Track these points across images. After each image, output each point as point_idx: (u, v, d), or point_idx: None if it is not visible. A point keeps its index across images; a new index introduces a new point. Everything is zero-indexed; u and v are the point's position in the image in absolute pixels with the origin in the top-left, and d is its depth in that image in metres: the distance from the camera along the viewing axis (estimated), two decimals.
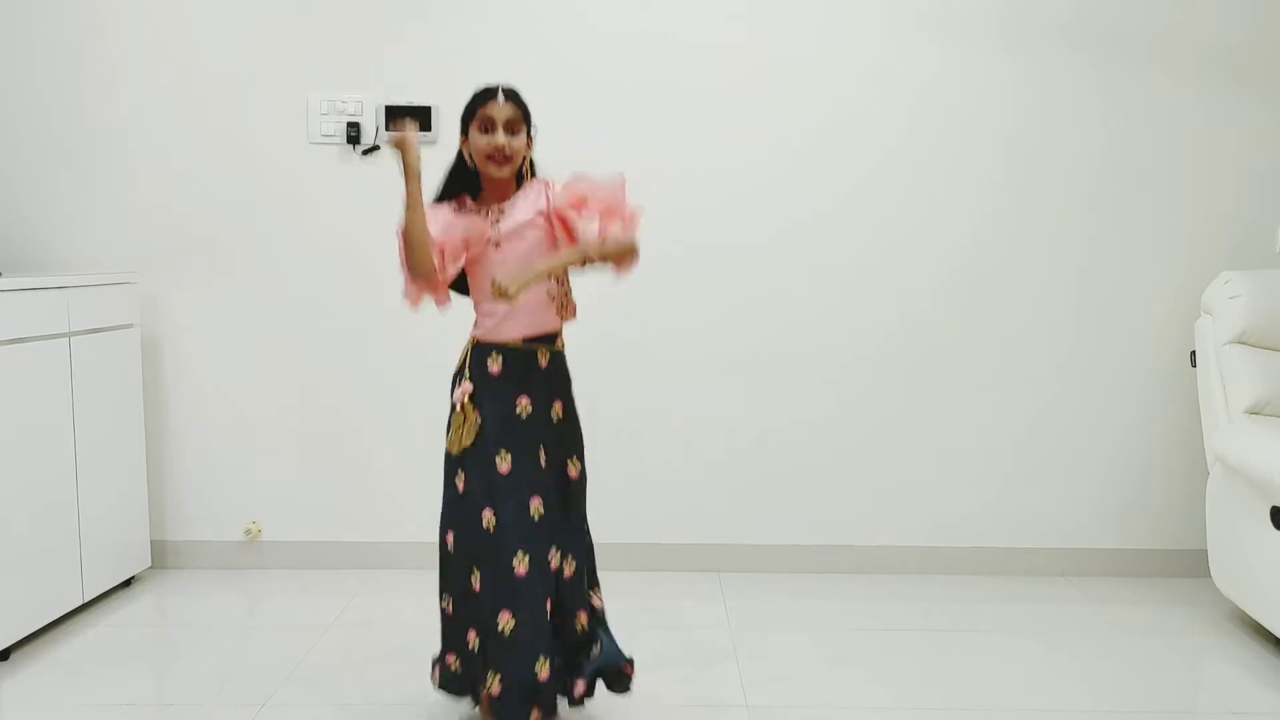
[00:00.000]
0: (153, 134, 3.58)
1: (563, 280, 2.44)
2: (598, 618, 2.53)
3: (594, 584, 2.57)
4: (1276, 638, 3.06)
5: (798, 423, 3.66)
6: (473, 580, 2.35)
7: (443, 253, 2.36)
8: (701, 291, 3.62)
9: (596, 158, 3.57)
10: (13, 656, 2.91)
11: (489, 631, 2.32)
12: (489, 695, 2.31)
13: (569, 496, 2.47)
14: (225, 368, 3.65)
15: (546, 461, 2.40)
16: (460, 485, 2.38)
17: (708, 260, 3.61)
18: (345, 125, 3.54)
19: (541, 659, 2.30)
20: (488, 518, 2.34)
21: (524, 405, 2.39)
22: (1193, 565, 3.58)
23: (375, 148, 3.55)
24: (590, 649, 2.47)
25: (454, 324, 3.50)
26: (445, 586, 2.44)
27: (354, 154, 3.56)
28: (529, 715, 2.29)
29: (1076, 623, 3.25)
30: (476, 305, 2.44)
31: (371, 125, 3.54)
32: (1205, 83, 3.55)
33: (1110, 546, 3.68)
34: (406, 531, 3.66)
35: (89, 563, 3.20)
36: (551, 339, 2.45)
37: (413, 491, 3.65)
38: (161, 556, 3.65)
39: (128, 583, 3.48)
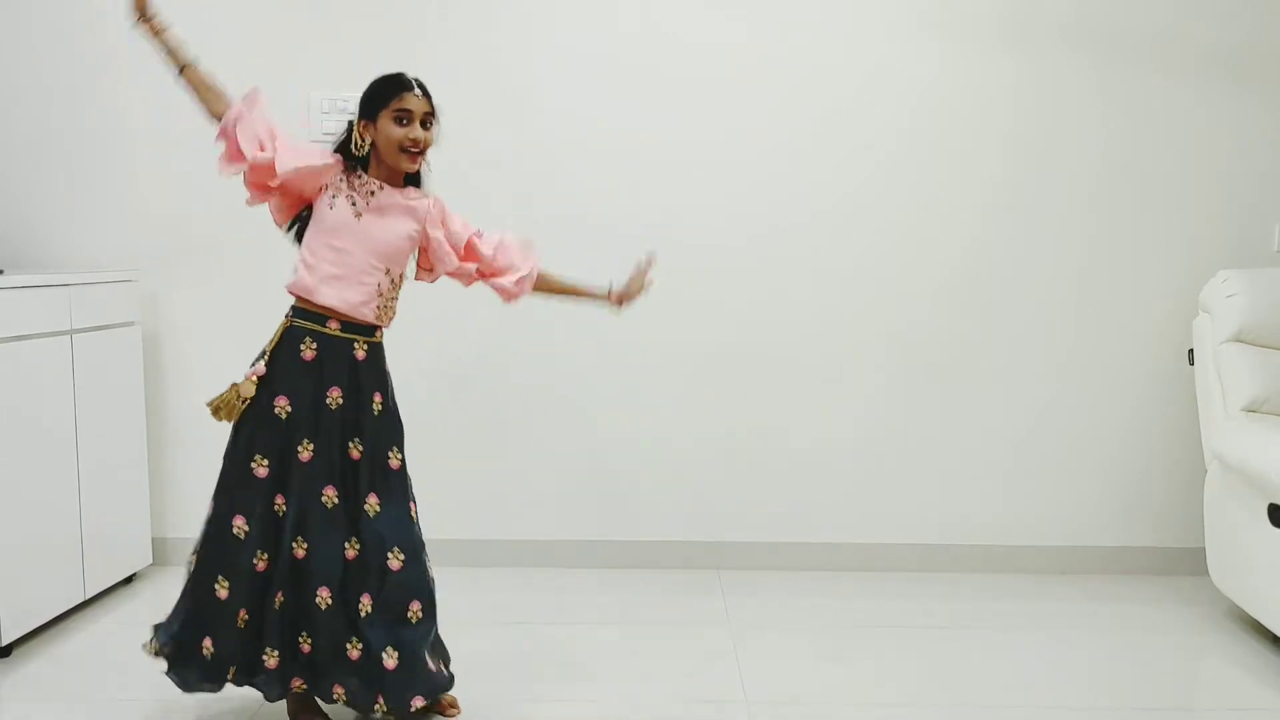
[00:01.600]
0: (154, 132, 3.59)
1: (395, 285, 2.46)
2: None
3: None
4: (1274, 635, 3.07)
5: (798, 421, 3.67)
6: (255, 561, 2.38)
7: (274, 135, 2.41)
8: (703, 289, 3.63)
9: (596, 156, 3.60)
10: (14, 652, 2.92)
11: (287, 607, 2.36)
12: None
13: (390, 487, 2.45)
14: (226, 366, 3.62)
15: (361, 453, 2.41)
16: (262, 471, 2.38)
17: (708, 258, 3.62)
18: (347, 124, 3.53)
19: (304, 635, 2.36)
20: (279, 503, 2.38)
21: (334, 396, 2.40)
22: (1191, 563, 3.59)
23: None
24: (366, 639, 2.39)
25: (455, 323, 3.52)
26: (220, 568, 2.40)
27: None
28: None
29: (1075, 620, 3.26)
30: (303, 255, 2.41)
31: None
32: (1205, 82, 3.56)
33: (1109, 544, 3.69)
34: None
35: (90, 559, 3.21)
36: (371, 330, 2.45)
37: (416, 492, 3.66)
38: (162, 554, 3.66)
39: (129, 580, 3.49)
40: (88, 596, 3.22)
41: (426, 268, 2.55)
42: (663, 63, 3.58)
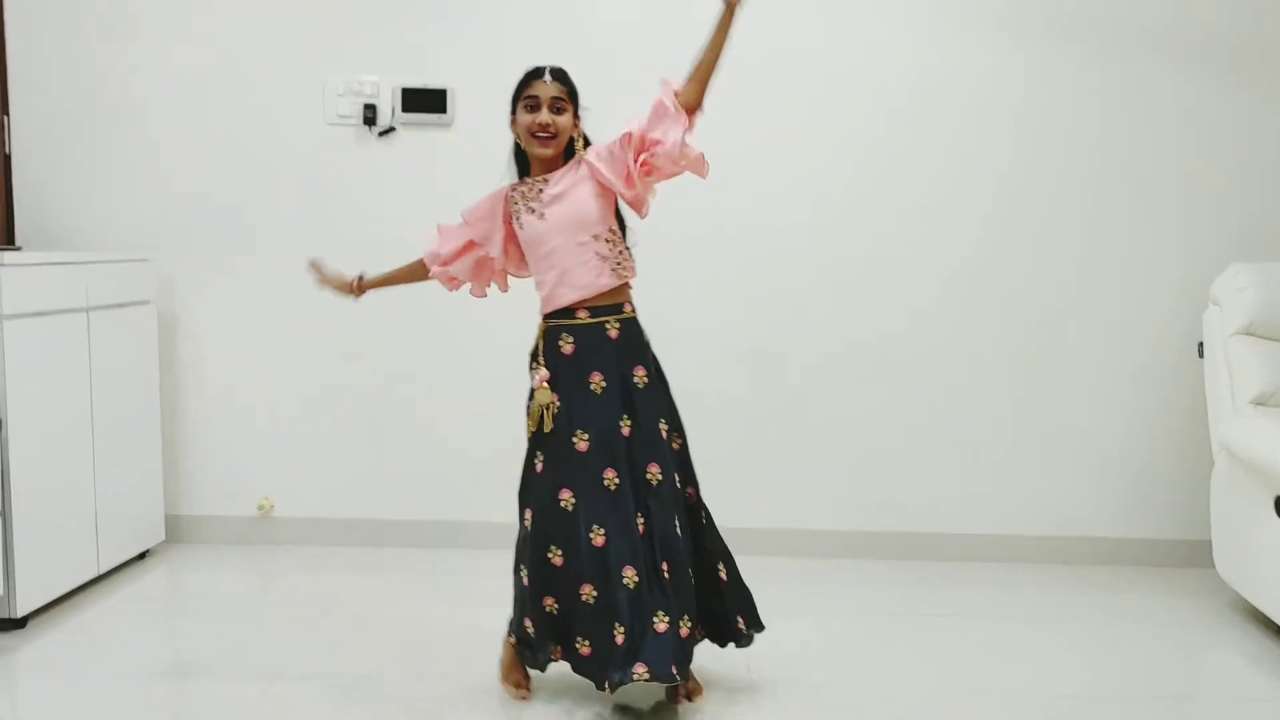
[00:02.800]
0: (172, 114, 3.62)
1: (615, 240, 2.49)
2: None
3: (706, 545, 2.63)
4: (1279, 626, 3.08)
5: (802, 407, 3.68)
6: (550, 556, 2.42)
7: (467, 243, 2.57)
8: (711, 278, 3.64)
9: (604, 132, 3.60)
10: (30, 624, 2.96)
11: (571, 604, 2.41)
12: (579, 656, 2.43)
13: (665, 459, 2.47)
14: (240, 345, 3.69)
15: (631, 430, 2.44)
16: (539, 465, 2.46)
17: (719, 247, 3.63)
18: (362, 107, 3.57)
19: (618, 626, 2.36)
20: (565, 497, 2.41)
21: (597, 381, 2.44)
22: (1197, 555, 3.59)
23: (391, 129, 3.58)
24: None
25: (468, 306, 3.53)
26: (521, 559, 2.51)
27: (370, 135, 3.59)
28: (604, 681, 2.38)
29: (1080, 610, 3.27)
30: (536, 280, 2.52)
31: (388, 107, 3.57)
32: (1215, 74, 3.56)
33: (1115, 535, 3.69)
34: (418, 510, 3.70)
35: (104, 535, 3.25)
36: (618, 307, 2.49)
37: (425, 470, 3.70)
38: (175, 531, 3.70)
39: (142, 556, 3.53)
40: (102, 571, 3.26)
41: (638, 201, 2.52)
42: (675, 48, 3.58)
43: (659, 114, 2.42)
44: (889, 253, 3.63)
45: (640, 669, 2.30)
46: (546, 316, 2.50)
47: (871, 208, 3.62)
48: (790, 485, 3.70)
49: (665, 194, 3.58)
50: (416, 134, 3.60)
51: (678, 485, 2.51)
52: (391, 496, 3.72)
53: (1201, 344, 3.37)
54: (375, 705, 2.53)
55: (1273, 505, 2.90)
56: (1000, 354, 3.66)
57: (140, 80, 3.61)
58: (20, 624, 2.93)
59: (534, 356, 2.51)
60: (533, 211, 2.46)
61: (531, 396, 2.49)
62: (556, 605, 2.45)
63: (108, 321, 3.27)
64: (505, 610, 3.07)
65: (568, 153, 2.50)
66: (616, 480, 2.41)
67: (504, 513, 3.69)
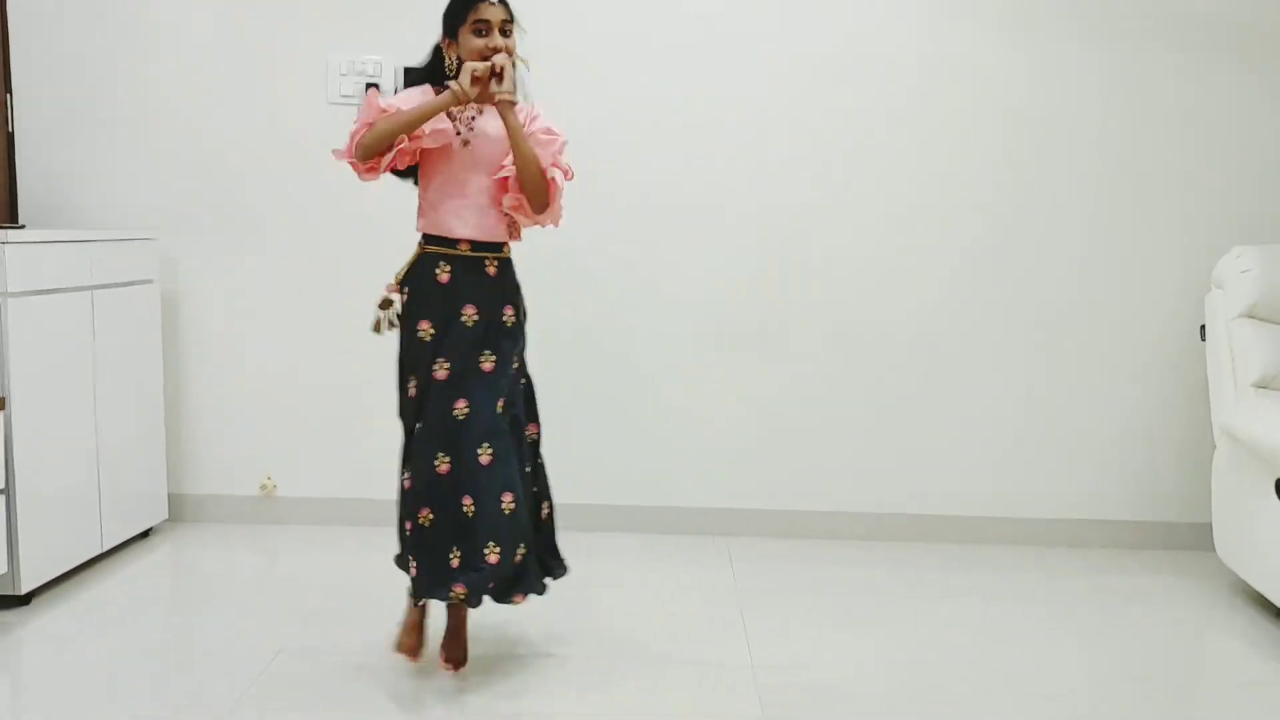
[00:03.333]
0: (175, 92, 3.61)
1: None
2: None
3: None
4: (1278, 609, 3.08)
5: (808, 390, 3.68)
6: (403, 479, 2.52)
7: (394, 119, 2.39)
8: (715, 260, 3.64)
9: (612, 114, 3.60)
10: (34, 601, 2.98)
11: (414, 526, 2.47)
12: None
13: (516, 397, 2.56)
14: (243, 324, 3.70)
15: (493, 365, 2.47)
16: (411, 390, 2.50)
17: (723, 230, 3.63)
18: (365, 86, 3.56)
19: (454, 550, 2.43)
20: (460, 406, 2.44)
21: (469, 314, 2.46)
22: (1198, 538, 3.60)
23: None
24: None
25: None
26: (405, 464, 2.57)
27: None
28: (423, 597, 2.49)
29: (1081, 592, 3.28)
30: (424, 197, 2.50)
31: (390, 86, 3.56)
32: (1217, 57, 3.54)
33: (1117, 519, 3.70)
34: None
35: (108, 513, 3.26)
36: (499, 246, 2.51)
37: None
38: (178, 509, 3.71)
39: (145, 534, 3.54)
40: (105, 549, 3.27)
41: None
42: (673, 28, 3.58)
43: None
44: (892, 236, 3.63)
45: (459, 589, 2.39)
46: (427, 239, 2.49)
47: (874, 192, 3.62)
48: (793, 468, 3.71)
49: (670, 182, 3.60)
50: None
51: (522, 422, 2.60)
52: (394, 476, 3.71)
53: (1204, 327, 3.37)
54: (377, 682, 2.55)
55: (1273, 488, 2.91)
56: (1003, 340, 3.66)
57: (144, 59, 3.60)
58: (24, 600, 2.94)
59: (402, 279, 2.50)
60: (458, 133, 2.44)
61: (381, 306, 2.49)
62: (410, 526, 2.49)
63: (111, 300, 3.27)
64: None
65: None
66: (466, 411, 2.44)
67: None
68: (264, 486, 3.71)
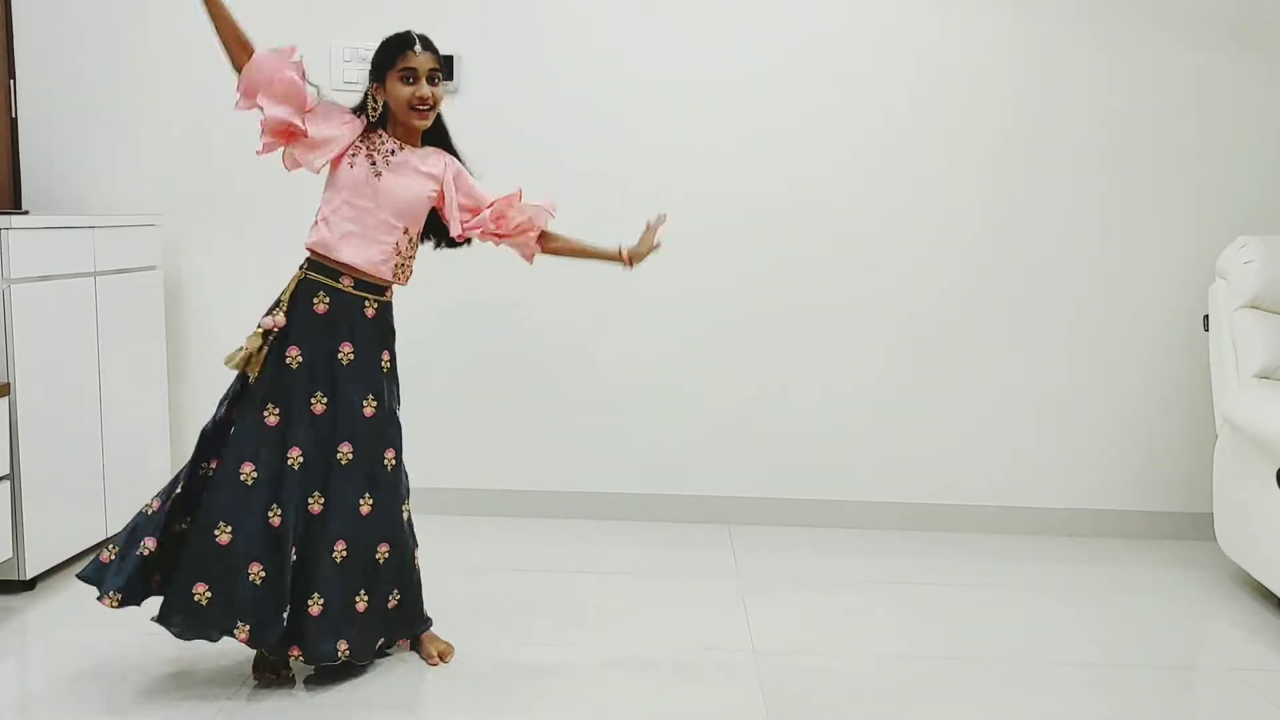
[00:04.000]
0: (178, 78, 3.61)
1: (413, 244, 2.51)
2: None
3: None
4: (1279, 599, 3.09)
5: (812, 379, 3.69)
6: (270, 515, 2.36)
7: (284, 96, 2.40)
8: (720, 246, 3.64)
9: (614, 101, 3.60)
10: (38, 586, 2.99)
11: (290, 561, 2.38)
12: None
13: (388, 443, 2.52)
14: (246, 311, 3.66)
15: (374, 410, 2.45)
16: (270, 419, 2.39)
17: (727, 216, 3.63)
18: (368, 73, 3.54)
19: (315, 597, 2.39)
20: (294, 455, 2.38)
21: (346, 352, 2.43)
22: (1199, 528, 3.61)
23: None
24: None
25: (477, 276, 3.53)
26: (222, 516, 2.34)
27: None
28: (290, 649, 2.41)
29: (1082, 581, 3.29)
30: (323, 211, 2.46)
31: None
32: (1221, 45, 3.53)
33: (1118, 508, 3.71)
34: (421, 476, 3.70)
35: (112, 498, 3.26)
36: (382, 289, 2.48)
37: (428, 441, 3.70)
38: None
39: None
40: (109, 534, 3.27)
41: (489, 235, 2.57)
42: (677, 21, 3.57)
43: (537, 212, 2.55)
44: (895, 227, 3.63)
45: (322, 649, 2.38)
46: (311, 265, 2.45)
47: (879, 180, 3.61)
48: (796, 456, 3.71)
49: (675, 168, 3.59)
50: None
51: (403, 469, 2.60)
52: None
53: (1206, 317, 3.37)
54: (378, 667, 2.56)
55: (1275, 478, 2.91)
56: (1005, 331, 3.66)
57: (147, 45, 3.60)
58: (29, 586, 2.96)
59: (278, 303, 2.45)
60: (373, 163, 2.42)
61: (253, 334, 2.42)
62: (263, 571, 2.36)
63: (114, 286, 3.27)
64: (491, 577, 3.11)
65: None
66: (351, 456, 2.42)
67: (496, 480, 3.73)
68: None
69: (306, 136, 2.41)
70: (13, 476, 2.87)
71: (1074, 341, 3.66)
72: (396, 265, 2.47)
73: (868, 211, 3.63)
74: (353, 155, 2.43)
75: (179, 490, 2.41)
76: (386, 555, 2.50)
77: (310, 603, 2.38)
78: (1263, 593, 3.17)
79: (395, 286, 2.52)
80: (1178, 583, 3.29)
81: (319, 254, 2.45)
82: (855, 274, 3.65)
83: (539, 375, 3.70)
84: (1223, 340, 3.27)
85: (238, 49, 2.42)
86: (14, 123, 3.59)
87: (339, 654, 2.40)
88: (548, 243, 2.61)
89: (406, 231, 2.47)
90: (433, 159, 2.48)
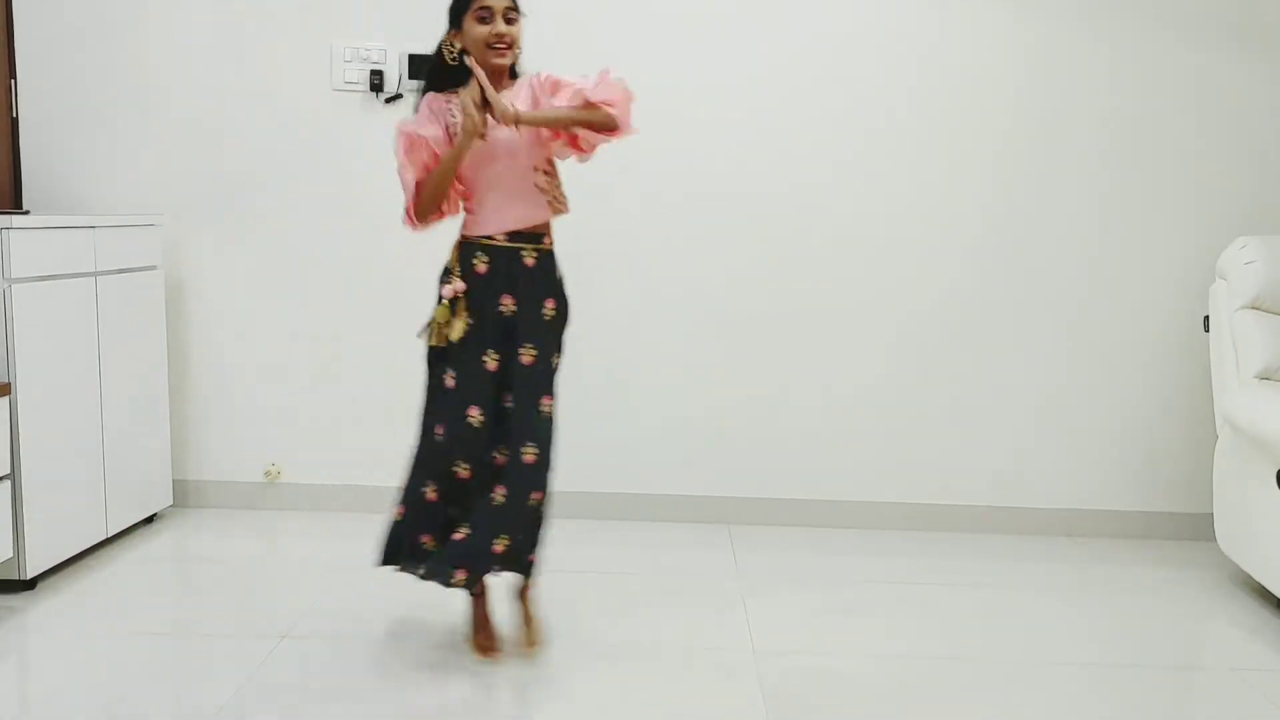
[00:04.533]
0: (179, 78, 3.61)
1: (552, 174, 2.52)
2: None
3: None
4: (1278, 599, 3.09)
5: (811, 379, 3.69)
6: (458, 470, 2.49)
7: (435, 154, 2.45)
8: (719, 247, 3.64)
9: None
10: (39, 586, 2.99)
11: (483, 505, 2.47)
12: (499, 553, 2.49)
13: (542, 391, 2.53)
14: (247, 311, 3.70)
15: (533, 359, 2.49)
16: (449, 380, 2.49)
17: (724, 218, 3.63)
18: (369, 73, 3.56)
19: (503, 536, 2.48)
20: (473, 414, 2.46)
21: (508, 305, 2.47)
22: (1199, 529, 3.61)
23: (398, 96, 3.57)
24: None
25: None
26: (428, 474, 2.55)
27: (377, 102, 3.59)
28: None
29: (1082, 581, 3.29)
30: (465, 201, 2.51)
31: (394, 74, 3.56)
32: (1222, 45, 3.53)
33: (1118, 508, 3.71)
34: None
35: (112, 498, 3.27)
36: (539, 237, 2.50)
37: None
38: (183, 495, 3.72)
39: (149, 519, 3.56)
40: (109, 534, 3.28)
41: (567, 143, 2.50)
42: (677, 21, 3.57)
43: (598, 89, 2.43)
44: (895, 226, 3.63)
45: (460, 575, 2.48)
46: (464, 236, 2.51)
47: (878, 179, 3.61)
48: (796, 456, 3.71)
49: (676, 169, 3.59)
50: None
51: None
52: (398, 464, 3.72)
53: (1207, 318, 3.37)
54: (381, 669, 2.56)
55: (1275, 479, 2.91)
56: (1005, 331, 3.66)
57: (147, 45, 3.60)
58: (29, 585, 2.96)
59: (447, 271, 2.52)
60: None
61: (439, 306, 2.51)
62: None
63: (115, 286, 3.28)
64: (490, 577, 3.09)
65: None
66: (511, 405, 2.48)
67: None
68: (268, 473, 3.73)
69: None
70: (13, 476, 2.87)
71: (1074, 342, 3.66)
72: (549, 200, 2.51)
73: (868, 211, 3.62)
74: (455, 132, 2.43)
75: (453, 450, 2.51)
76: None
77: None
78: (1262, 593, 3.17)
79: (553, 237, 2.54)
80: (1177, 583, 3.29)
81: (473, 236, 2.49)
82: (855, 274, 3.65)
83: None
84: (1223, 341, 3.27)
85: (435, 208, 2.50)
86: (14, 122, 3.60)
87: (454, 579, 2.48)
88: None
89: (537, 168, 2.48)
90: (525, 87, 2.48)
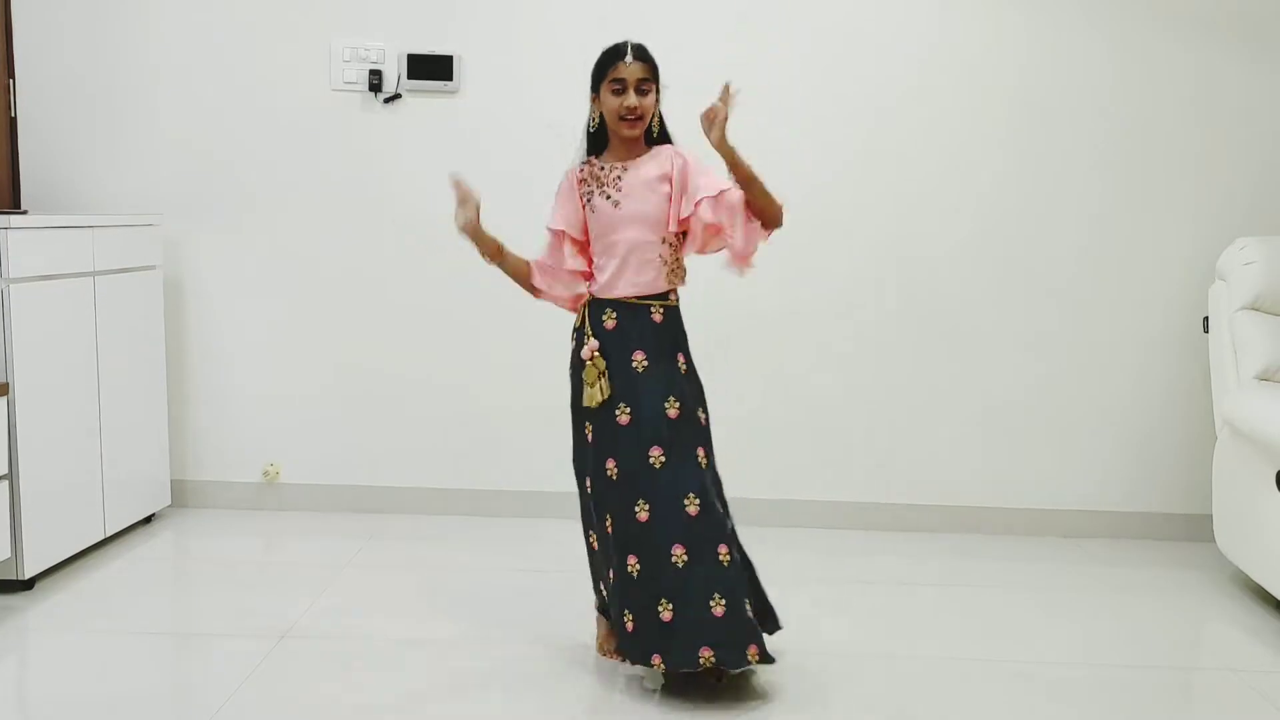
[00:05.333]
0: (178, 77, 3.61)
1: (676, 246, 2.53)
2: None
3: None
4: (1278, 600, 3.09)
5: (809, 381, 3.68)
6: (605, 524, 2.47)
7: (575, 241, 2.53)
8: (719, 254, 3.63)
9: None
10: (37, 586, 2.98)
11: (618, 572, 2.43)
12: (622, 631, 2.42)
13: (709, 444, 2.55)
14: (246, 310, 3.70)
15: (679, 411, 2.46)
16: (589, 435, 2.49)
17: None
18: (368, 73, 3.55)
19: (664, 601, 2.36)
20: (610, 467, 2.45)
21: (639, 360, 2.46)
22: (1198, 529, 3.60)
23: (397, 96, 3.57)
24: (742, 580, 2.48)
25: (478, 274, 3.52)
26: (589, 524, 2.57)
27: (376, 102, 3.58)
28: (651, 658, 2.36)
29: (1081, 582, 3.29)
30: (592, 262, 2.54)
31: (394, 73, 3.56)
32: (1222, 46, 3.53)
33: (1117, 509, 3.70)
34: (422, 476, 3.72)
35: (110, 499, 3.26)
36: (664, 295, 2.52)
37: (429, 437, 3.71)
38: (181, 495, 3.71)
39: (148, 520, 3.55)
40: (107, 535, 3.28)
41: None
42: (674, 16, 3.57)
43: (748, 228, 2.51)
44: (892, 225, 3.62)
45: (706, 653, 2.32)
46: (592, 295, 2.53)
47: (875, 179, 3.61)
48: (792, 458, 3.71)
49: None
50: (422, 101, 3.59)
51: (717, 472, 2.57)
52: (396, 463, 3.74)
53: (1206, 319, 3.37)
54: (379, 669, 2.56)
55: (1274, 480, 2.91)
56: (1004, 330, 3.66)
57: (146, 44, 3.60)
58: (28, 585, 2.95)
59: (579, 330, 2.54)
60: (607, 197, 2.47)
61: (579, 369, 2.51)
62: (613, 573, 2.48)
63: (114, 286, 3.27)
64: (497, 576, 3.11)
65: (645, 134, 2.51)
66: (663, 459, 2.42)
67: (504, 480, 3.73)
68: (267, 473, 3.72)
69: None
70: (12, 476, 2.87)
71: (1074, 342, 3.66)
72: (668, 273, 2.51)
73: (862, 212, 3.62)
74: (587, 199, 2.49)
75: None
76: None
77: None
78: (1262, 594, 3.16)
79: (679, 295, 2.56)
80: (1176, 584, 3.29)
81: (600, 297, 2.52)
82: (851, 277, 3.64)
83: (538, 381, 3.69)
84: (1223, 342, 3.27)
85: (527, 283, 2.59)
86: (13, 122, 3.59)
87: (699, 660, 2.33)
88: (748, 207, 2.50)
89: (664, 240, 2.49)
90: (662, 158, 2.49)
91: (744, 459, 3.69)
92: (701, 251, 2.53)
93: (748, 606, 2.42)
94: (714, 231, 2.47)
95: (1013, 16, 3.54)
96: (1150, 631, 2.93)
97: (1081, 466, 3.70)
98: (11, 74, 3.58)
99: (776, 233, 3.56)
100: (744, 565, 2.53)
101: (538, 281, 2.57)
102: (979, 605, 3.09)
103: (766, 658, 2.39)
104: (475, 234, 2.52)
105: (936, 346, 3.67)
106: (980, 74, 3.57)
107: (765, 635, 2.47)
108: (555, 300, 2.59)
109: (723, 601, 2.36)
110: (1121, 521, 3.70)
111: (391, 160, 3.60)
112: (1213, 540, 3.35)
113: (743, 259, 2.53)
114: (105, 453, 3.24)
